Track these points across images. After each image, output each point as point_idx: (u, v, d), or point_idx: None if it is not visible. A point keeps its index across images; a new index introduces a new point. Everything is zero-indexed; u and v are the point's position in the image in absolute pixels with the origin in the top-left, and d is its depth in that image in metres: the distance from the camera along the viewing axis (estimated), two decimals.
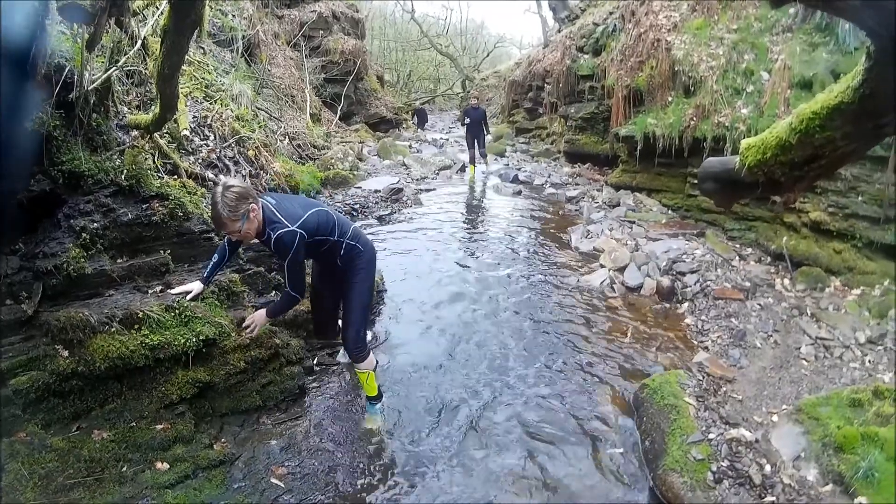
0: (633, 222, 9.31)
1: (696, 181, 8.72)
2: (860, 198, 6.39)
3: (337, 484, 3.94)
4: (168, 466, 3.76)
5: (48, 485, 3.29)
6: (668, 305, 6.74)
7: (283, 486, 3.86)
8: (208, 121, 7.21)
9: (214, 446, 4.11)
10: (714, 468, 3.85)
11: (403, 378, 5.29)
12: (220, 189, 3.64)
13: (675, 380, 4.82)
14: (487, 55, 40.26)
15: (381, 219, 10.01)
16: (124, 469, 3.61)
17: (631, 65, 11.23)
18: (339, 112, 17.95)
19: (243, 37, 11.78)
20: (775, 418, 4.38)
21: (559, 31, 18.68)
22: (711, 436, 4.20)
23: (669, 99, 10.06)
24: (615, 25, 12.95)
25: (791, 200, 6.73)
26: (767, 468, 3.86)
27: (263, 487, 3.82)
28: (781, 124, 2.36)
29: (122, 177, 4.60)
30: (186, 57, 7.02)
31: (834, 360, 5.36)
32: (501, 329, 6.22)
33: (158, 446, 3.85)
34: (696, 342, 5.91)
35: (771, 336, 5.79)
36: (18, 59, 3.24)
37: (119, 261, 4.47)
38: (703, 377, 5.11)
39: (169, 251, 4.79)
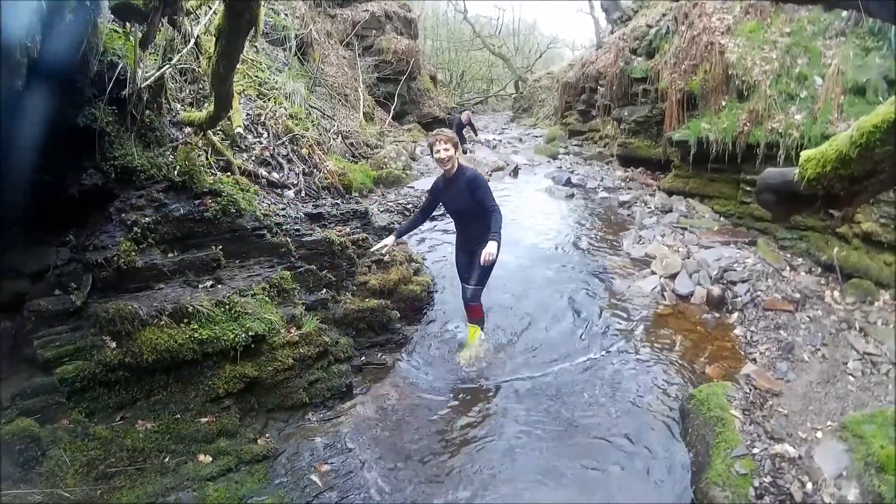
0: (686, 228, 9.02)
1: (749, 188, 8.51)
2: None
3: (379, 484, 3.90)
4: (211, 459, 3.78)
5: (89, 472, 3.34)
6: (717, 315, 6.49)
7: (320, 484, 3.83)
8: (262, 118, 7.27)
9: (258, 441, 4.13)
10: (756, 484, 3.75)
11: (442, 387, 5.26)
12: None
13: (722, 391, 4.68)
14: (540, 56, 39.71)
15: (433, 218, 9.94)
16: (167, 460, 3.65)
17: (684, 68, 10.87)
18: (392, 111, 17.94)
19: (296, 36, 11.88)
20: (819, 434, 4.22)
21: (612, 32, 18.25)
22: (756, 450, 4.08)
23: (723, 103, 9.70)
24: (668, 27, 12.54)
25: (850, 216, 6.46)
26: (809, 486, 3.73)
27: (305, 484, 3.80)
28: (842, 137, 2.28)
29: (175, 173, 4.66)
30: (241, 56, 7.11)
31: (880, 376, 5.12)
32: (549, 333, 6.11)
33: (202, 439, 3.89)
34: (744, 353, 5.71)
35: (819, 350, 5.56)
36: (63, 57, 3.28)
37: (170, 255, 4.53)
38: (750, 390, 4.92)
39: (220, 247, 4.83)
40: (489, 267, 5.33)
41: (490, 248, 4.92)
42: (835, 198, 2.46)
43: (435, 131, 5.64)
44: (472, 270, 5.47)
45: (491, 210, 5.17)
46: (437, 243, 8.73)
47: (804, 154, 2.52)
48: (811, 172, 2.44)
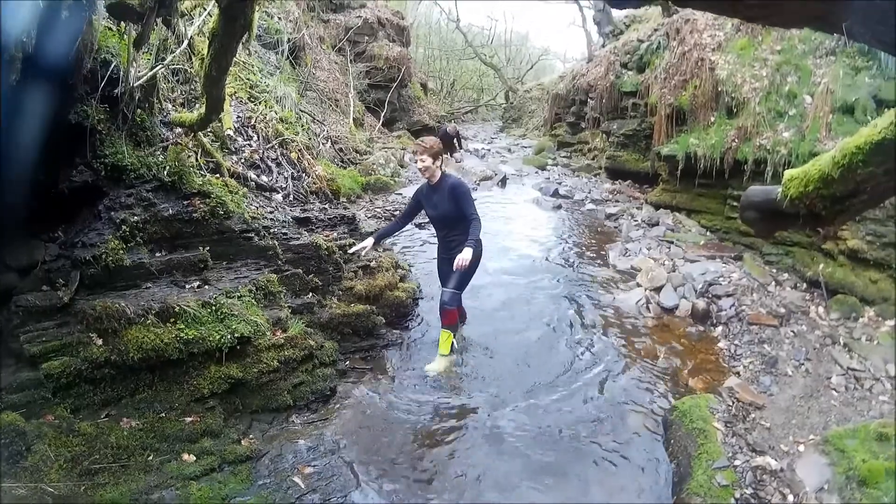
0: (672, 242, 9.13)
1: (735, 203, 8.53)
2: None
3: (362, 486, 3.91)
4: (194, 458, 3.78)
5: (73, 468, 3.34)
6: (702, 328, 6.57)
7: (303, 486, 3.84)
8: (252, 121, 7.29)
9: (242, 442, 4.13)
10: (737, 495, 3.80)
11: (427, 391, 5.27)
12: None
13: (705, 404, 4.74)
14: (531, 67, 39.96)
15: (419, 226, 9.93)
16: (150, 458, 3.65)
17: (674, 83, 11.04)
18: (382, 118, 17.99)
19: (289, 40, 11.89)
20: (801, 448, 4.28)
21: (603, 45, 18.47)
22: (737, 462, 4.14)
23: (712, 119, 9.85)
24: (659, 42, 12.72)
25: (832, 234, 6.59)
26: (790, 498, 3.79)
27: (288, 486, 3.80)
28: (825, 157, 2.34)
29: (165, 173, 4.67)
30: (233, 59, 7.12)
31: (864, 391, 5.19)
32: (533, 344, 6.13)
33: (186, 438, 3.89)
34: (727, 366, 5.77)
35: (802, 364, 5.63)
36: (57, 54, 3.30)
37: (158, 255, 4.53)
38: (733, 402, 4.99)
39: (208, 248, 4.84)
40: (468, 272, 5.38)
41: (464, 255, 4.98)
42: (817, 217, 2.51)
43: (417, 140, 5.70)
44: (451, 275, 5.47)
45: (471, 218, 5.23)
46: (423, 251, 8.75)
47: (787, 173, 2.58)
48: (794, 191, 2.50)
